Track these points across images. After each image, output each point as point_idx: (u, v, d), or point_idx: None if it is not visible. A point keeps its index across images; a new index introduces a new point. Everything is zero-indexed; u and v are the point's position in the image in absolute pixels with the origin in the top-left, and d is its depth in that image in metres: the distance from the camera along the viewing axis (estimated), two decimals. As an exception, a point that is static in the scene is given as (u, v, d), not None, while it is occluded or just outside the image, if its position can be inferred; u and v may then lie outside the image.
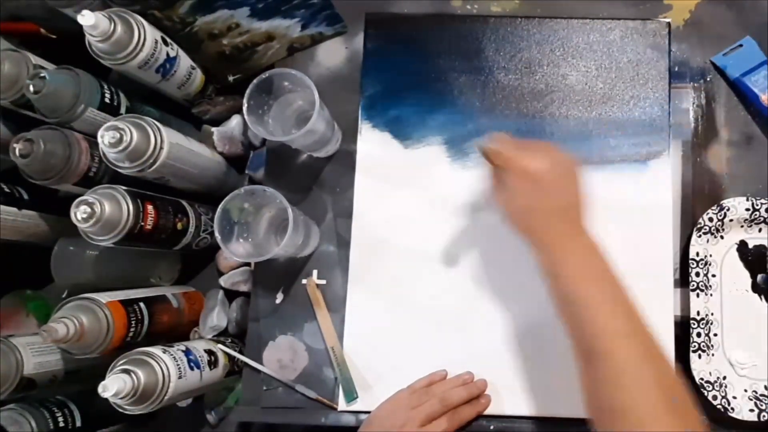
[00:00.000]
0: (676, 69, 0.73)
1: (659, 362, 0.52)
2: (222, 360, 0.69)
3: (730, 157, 0.72)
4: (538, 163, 0.57)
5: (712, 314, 0.68)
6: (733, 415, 0.65)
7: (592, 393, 0.53)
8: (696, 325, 0.67)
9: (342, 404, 0.69)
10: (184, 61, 0.72)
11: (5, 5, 0.71)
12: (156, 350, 0.61)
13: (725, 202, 0.69)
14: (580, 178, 0.59)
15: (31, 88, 0.62)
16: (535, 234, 0.58)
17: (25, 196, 0.70)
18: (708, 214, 0.69)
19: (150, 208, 0.64)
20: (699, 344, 0.67)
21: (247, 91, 0.63)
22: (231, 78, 0.78)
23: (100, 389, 0.55)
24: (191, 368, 0.63)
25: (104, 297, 0.62)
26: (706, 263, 0.69)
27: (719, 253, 0.70)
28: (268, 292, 0.73)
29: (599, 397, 0.52)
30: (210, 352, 0.68)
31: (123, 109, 0.68)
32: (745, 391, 0.67)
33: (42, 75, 0.62)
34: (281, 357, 0.71)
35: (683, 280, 0.69)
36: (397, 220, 0.72)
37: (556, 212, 0.57)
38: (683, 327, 0.68)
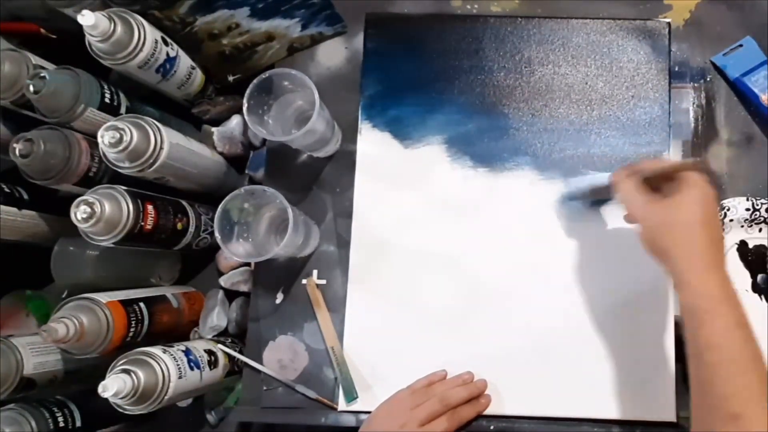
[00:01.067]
0: (676, 69, 0.73)
1: None
2: (222, 360, 0.69)
3: (730, 157, 0.72)
4: (709, 189, 0.55)
5: (712, 314, 0.68)
6: (733, 415, 0.65)
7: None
8: (696, 325, 0.67)
9: (342, 404, 0.69)
10: (184, 61, 0.72)
11: (5, 5, 0.71)
12: (156, 350, 0.61)
13: (725, 202, 0.69)
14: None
15: (31, 88, 0.62)
16: (672, 259, 0.55)
17: (25, 196, 0.70)
18: (708, 214, 0.69)
19: (150, 208, 0.64)
20: (699, 344, 0.67)
21: (247, 91, 0.63)
22: (231, 78, 0.78)
23: (100, 389, 0.55)
24: (191, 368, 0.63)
25: (104, 297, 0.62)
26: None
27: (719, 253, 0.70)
28: (268, 292, 0.73)
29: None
30: (210, 352, 0.68)
31: (123, 109, 0.68)
32: (745, 391, 0.67)
33: (42, 75, 0.62)
34: (281, 357, 0.71)
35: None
36: (397, 220, 0.72)
37: (713, 240, 0.54)
38: (683, 327, 0.68)
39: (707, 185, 0.56)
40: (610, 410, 0.66)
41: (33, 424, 0.61)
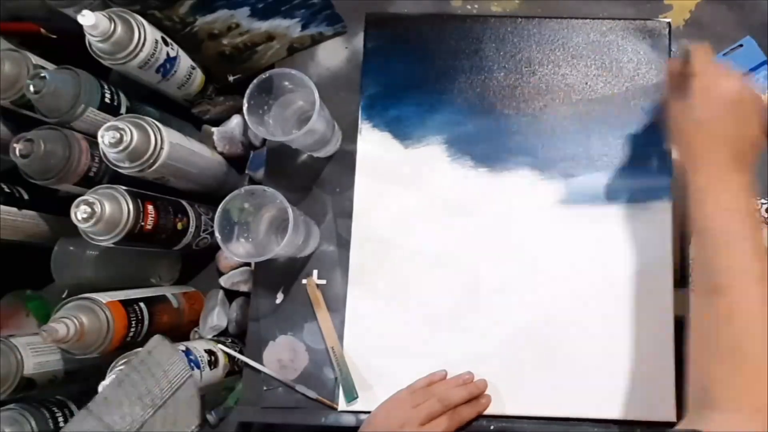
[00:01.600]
0: (676, 69, 0.73)
1: None
2: (222, 360, 0.69)
3: (730, 157, 0.72)
4: (732, 84, 0.55)
5: (712, 314, 0.68)
6: (733, 415, 0.65)
7: (705, 331, 0.51)
8: (696, 325, 0.67)
9: (342, 404, 0.69)
10: (184, 61, 0.72)
11: (5, 5, 0.71)
12: (156, 350, 0.61)
13: (725, 202, 0.69)
14: (763, 116, 0.57)
15: (31, 88, 0.62)
16: (696, 153, 0.56)
17: (25, 196, 0.70)
18: (708, 214, 0.69)
19: (150, 208, 0.64)
20: (699, 344, 0.67)
21: (247, 91, 0.63)
22: (231, 78, 0.78)
23: (99, 389, 0.55)
24: (191, 368, 0.63)
25: (104, 297, 0.62)
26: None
27: (719, 253, 0.70)
28: (268, 292, 0.73)
29: (712, 335, 0.50)
30: (210, 352, 0.68)
31: (123, 109, 0.68)
32: (745, 391, 0.67)
33: (42, 75, 0.62)
34: (281, 357, 0.71)
35: (683, 280, 0.69)
36: (397, 220, 0.72)
37: (727, 138, 0.55)
38: (683, 327, 0.68)
39: (679, 81, 0.58)
40: (610, 410, 0.66)
41: (33, 424, 0.61)
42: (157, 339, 0.42)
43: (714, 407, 0.48)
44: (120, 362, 0.59)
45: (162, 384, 0.39)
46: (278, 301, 0.72)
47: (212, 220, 0.67)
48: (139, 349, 0.57)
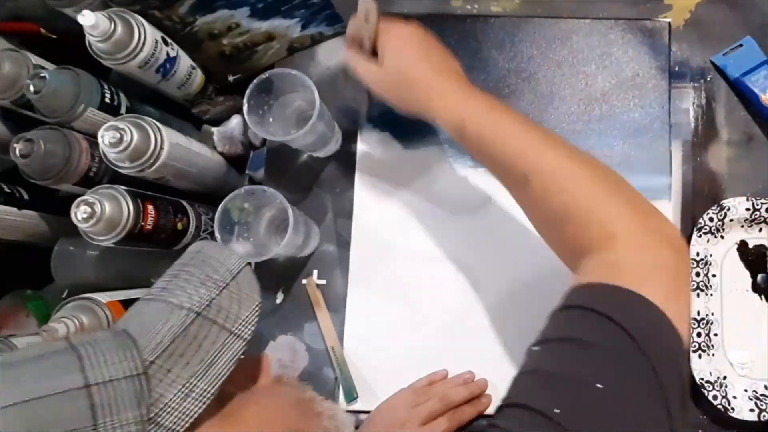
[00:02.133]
0: (676, 69, 0.73)
1: (584, 157, 0.51)
2: (222, 360, 0.69)
3: (730, 157, 0.72)
4: (409, 27, 0.59)
5: (712, 314, 0.68)
6: (733, 414, 0.65)
7: (532, 208, 0.53)
8: (696, 325, 0.67)
9: (342, 404, 0.69)
10: (184, 61, 0.72)
11: (5, 5, 0.71)
12: (156, 350, 0.61)
13: (725, 202, 0.69)
14: (441, 47, 0.60)
15: (31, 88, 0.62)
16: (420, 95, 0.57)
17: (25, 196, 0.70)
18: (708, 214, 0.69)
19: (150, 208, 0.64)
20: (699, 344, 0.67)
21: (247, 91, 0.63)
22: (231, 78, 0.78)
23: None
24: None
25: (104, 297, 0.62)
26: (706, 263, 0.69)
27: (719, 253, 0.70)
28: (268, 292, 0.73)
29: (539, 209, 0.52)
30: (210, 352, 0.68)
31: (123, 109, 0.68)
32: (745, 390, 0.67)
33: (42, 75, 0.62)
34: (281, 357, 0.71)
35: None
36: (397, 220, 0.72)
37: (441, 69, 0.57)
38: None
39: (398, 26, 0.60)
40: (610, 410, 0.66)
41: (33, 424, 0.61)
42: (201, 243, 0.44)
43: (586, 255, 0.49)
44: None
45: (221, 271, 0.40)
46: (278, 301, 0.72)
47: (212, 220, 0.67)
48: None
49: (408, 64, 0.57)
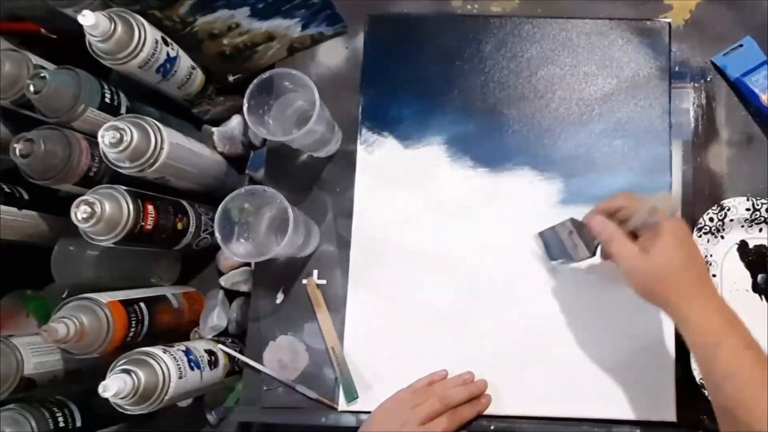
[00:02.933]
0: (676, 69, 0.73)
1: None
2: (222, 360, 0.69)
3: (730, 157, 0.72)
4: (686, 228, 0.58)
5: (712, 314, 0.68)
6: (734, 415, 0.65)
7: None
8: (696, 325, 0.67)
9: (342, 404, 0.69)
10: (185, 61, 0.72)
11: (5, 5, 0.71)
12: (156, 350, 0.61)
13: (725, 202, 0.69)
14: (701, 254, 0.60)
15: (32, 88, 0.62)
16: (677, 299, 0.56)
17: (25, 196, 0.70)
18: (708, 214, 0.69)
19: (150, 208, 0.64)
20: (699, 344, 0.67)
21: (248, 91, 0.63)
22: (231, 78, 0.78)
23: (100, 389, 0.55)
24: (191, 368, 0.63)
25: (104, 297, 0.62)
26: (706, 263, 0.69)
27: (719, 253, 0.70)
28: (268, 292, 0.73)
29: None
30: (210, 352, 0.68)
31: (123, 109, 0.68)
32: (746, 391, 0.67)
33: (42, 75, 0.62)
34: (281, 357, 0.71)
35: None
36: (397, 220, 0.72)
37: (692, 273, 0.57)
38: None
39: (679, 225, 0.58)
40: (610, 410, 0.66)
41: (33, 424, 0.61)
42: None
43: None
44: (120, 362, 0.59)
45: None
46: (278, 301, 0.72)
47: (212, 220, 0.67)
48: None
49: (677, 266, 0.56)
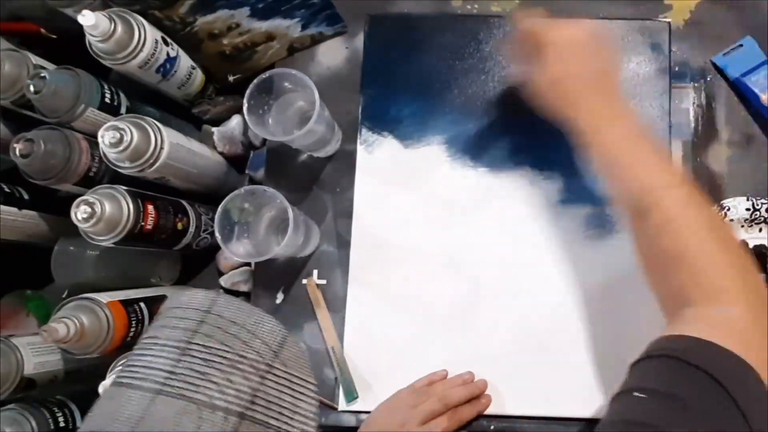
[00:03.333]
0: (676, 69, 0.73)
1: (705, 207, 0.52)
2: (222, 360, 0.69)
3: (730, 157, 0.72)
4: (572, 30, 0.59)
5: (712, 314, 0.68)
6: (733, 414, 0.65)
7: (644, 245, 0.54)
8: (696, 325, 0.67)
9: (342, 404, 0.69)
10: (184, 61, 0.72)
11: (5, 5, 0.71)
12: (156, 350, 0.61)
13: (725, 202, 0.69)
14: (611, 48, 0.61)
15: (32, 88, 0.62)
16: (571, 104, 0.59)
17: (25, 196, 0.70)
18: (708, 214, 0.69)
19: (150, 208, 0.64)
20: (699, 344, 0.67)
21: (248, 91, 0.63)
22: (231, 78, 0.78)
23: (100, 389, 0.55)
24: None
25: (104, 297, 0.62)
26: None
27: (719, 253, 0.70)
28: (268, 292, 0.73)
29: (651, 247, 0.53)
30: (210, 352, 0.68)
31: (123, 109, 0.68)
32: (745, 391, 0.67)
33: (42, 75, 0.62)
34: (281, 357, 0.71)
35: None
36: (397, 220, 0.72)
37: (591, 79, 0.58)
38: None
39: (566, 32, 0.59)
40: (610, 410, 0.66)
41: (33, 424, 0.61)
42: (210, 295, 0.30)
43: (690, 305, 0.49)
44: (120, 362, 0.59)
45: (256, 346, 0.28)
46: (278, 301, 0.72)
47: (212, 220, 0.67)
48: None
49: (565, 75, 0.59)
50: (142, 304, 0.66)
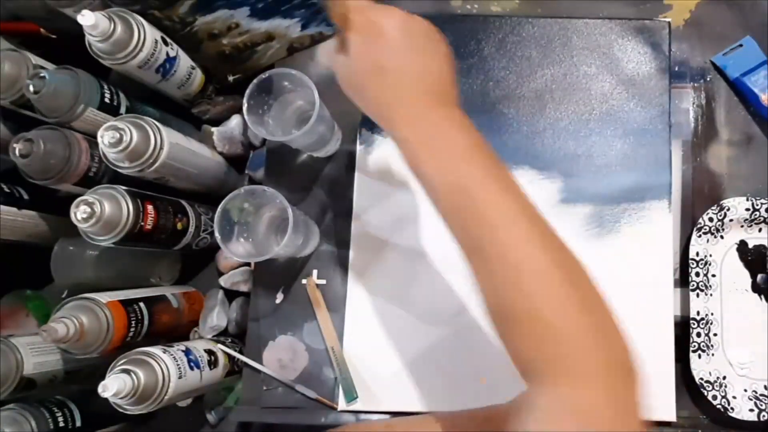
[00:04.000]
0: (676, 69, 0.73)
1: (551, 239, 0.45)
2: (222, 360, 0.69)
3: (730, 157, 0.72)
4: (393, 19, 0.47)
5: (711, 314, 0.68)
6: (733, 414, 0.65)
7: (491, 294, 0.46)
8: (696, 325, 0.67)
9: (342, 404, 0.69)
10: (184, 61, 0.72)
11: (5, 5, 0.71)
12: (156, 350, 0.61)
13: (725, 202, 0.69)
14: (440, 42, 0.49)
15: (31, 88, 0.62)
16: (380, 105, 0.47)
17: (25, 196, 0.70)
18: (708, 214, 0.69)
19: (150, 208, 0.64)
20: (699, 344, 0.67)
21: (247, 91, 0.63)
22: (231, 78, 0.78)
23: (100, 389, 0.55)
24: (191, 368, 0.63)
25: (104, 297, 0.62)
26: (706, 263, 0.69)
27: (719, 253, 0.70)
28: (268, 292, 0.73)
29: (498, 300, 0.45)
30: (210, 352, 0.68)
31: (123, 109, 0.68)
32: (745, 390, 0.67)
33: (42, 75, 0.62)
34: (281, 357, 0.71)
35: (683, 280, 0.70)
36: (397, 220, 0.72)
37: (409, 78, 0.47)
38: (683, 327, 0.68)
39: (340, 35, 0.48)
40: (610, 410, 0.66)
41: (33, 424, 0.61)
42: None
43: (539, 381, 0.44)
44: (120, 362, 0.59)
45: None
46: (278, 301, 0.72)
47: (212, 220, 0.67)
48: None
49: (363, 67, 0.48)
50: (141, 304, 0.66)
